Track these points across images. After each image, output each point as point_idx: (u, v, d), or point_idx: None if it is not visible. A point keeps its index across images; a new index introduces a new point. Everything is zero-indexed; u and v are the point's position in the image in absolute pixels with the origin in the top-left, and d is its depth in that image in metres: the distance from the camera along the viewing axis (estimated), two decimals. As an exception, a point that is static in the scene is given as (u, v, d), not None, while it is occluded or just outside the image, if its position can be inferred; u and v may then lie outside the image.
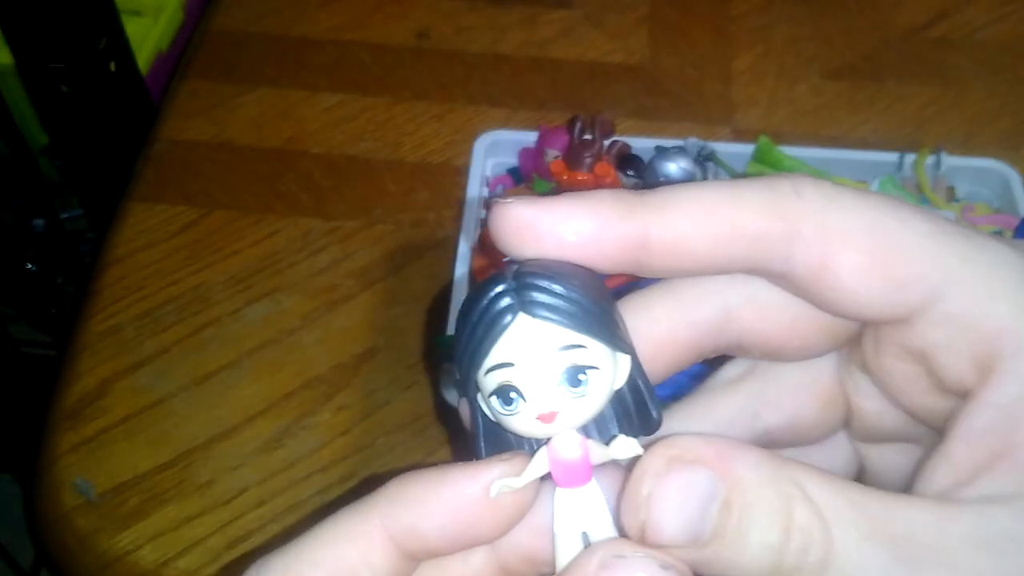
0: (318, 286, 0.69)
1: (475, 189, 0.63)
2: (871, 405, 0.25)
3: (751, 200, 0.22)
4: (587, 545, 0.23)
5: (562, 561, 0.23)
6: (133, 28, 1.02)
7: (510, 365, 0.22)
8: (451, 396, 0.55)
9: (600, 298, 0.22)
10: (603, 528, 0.23)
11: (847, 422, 0.26)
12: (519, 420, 0.23)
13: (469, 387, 0.23)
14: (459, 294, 0.58)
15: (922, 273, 0.21)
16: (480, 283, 0.23)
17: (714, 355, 0.26)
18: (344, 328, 0.67)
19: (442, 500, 0.22)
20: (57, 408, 0.63)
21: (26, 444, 0.67)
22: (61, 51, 0.88)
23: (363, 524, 0.22)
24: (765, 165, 0.65)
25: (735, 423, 0.26)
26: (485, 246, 0.60)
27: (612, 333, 0.22)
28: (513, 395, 0.22)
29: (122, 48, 0.96)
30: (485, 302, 0.22)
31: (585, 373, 0.22)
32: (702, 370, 0.27)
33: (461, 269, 0.59)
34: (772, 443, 0.26)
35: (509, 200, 0.23)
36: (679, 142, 0.65)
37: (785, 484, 0.19)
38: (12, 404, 1.23)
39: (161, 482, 0.59)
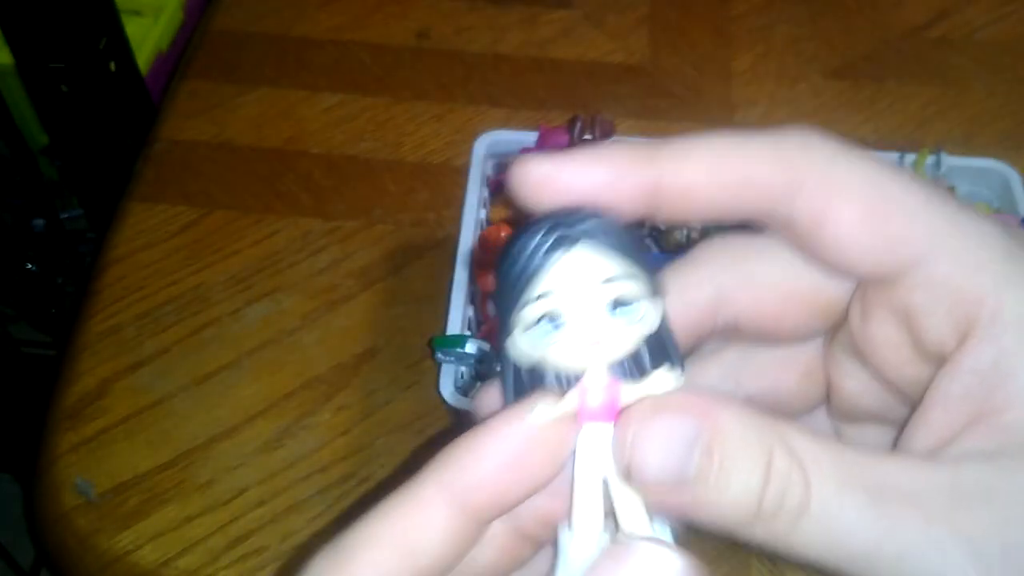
0: (318, 286, 0.69)
1: (475, 189, 0.63)
2: (852, 384, 0.25)
3: (760, 150, 0.23)
4: (606, 494, 0.22)
5: (579, 508, 0.23)
6: (133, 28, 1.02)
7: (554, 294, 0.22)
8: (451, 396, 0.55)
9: (638, 243, 0.23)
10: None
11: (828, 400, 0.27)
12: (559, 349, 0.23)
13: (507, 326, 0.24)
14: (459, 294, 0.58)
15: (913, 235, 0.21)
16: (523, 226, 0.23)
17: (710, 338, 0.26)
18: (344, 328, 0.67)
19: (491, 447, 0.22)
20: (57, 408, 0.63)
21: (26, 444, 0.67)
22: (61, 51, 0.88)
23: (421, 493, 0.22)
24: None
25: (716, 390, 0.27)
26: (485, 246, 0.60)
27: (651, 275, 0.23)
28: (555, 322, 0.23)
29: (122, 48, 0.96)
30: (534, 238, 0.23)
31: (628, 306, 0.22)
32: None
33: (461, 269, 0.59)
34: None
35: (528, 157, 0.24)
36: (679, 142, 0.65)
37: (766, 433, 0.20)
38: (12, 404, 1.23)
39: (161, 482, 0.59)
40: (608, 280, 0.22)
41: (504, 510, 0.22)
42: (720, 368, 0.27)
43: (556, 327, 0.23)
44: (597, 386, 0.23)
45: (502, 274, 0.23)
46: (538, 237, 0.22)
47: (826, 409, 0.27)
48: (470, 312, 0.59)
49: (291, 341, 0.66)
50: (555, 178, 0.23)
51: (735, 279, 0.25)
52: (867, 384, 0.25)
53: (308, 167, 0.77)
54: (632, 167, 0.23)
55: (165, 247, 0.71)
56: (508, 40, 0.86)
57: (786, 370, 0.27)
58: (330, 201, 0.74)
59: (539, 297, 0.22)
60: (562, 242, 0.22)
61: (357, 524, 0.22)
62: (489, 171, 0.67)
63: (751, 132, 0.24)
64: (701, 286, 0.25)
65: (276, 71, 0.84)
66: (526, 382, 0.24)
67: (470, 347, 0.53)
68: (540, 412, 0.22)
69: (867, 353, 0.24)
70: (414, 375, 0.64)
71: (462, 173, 0.67)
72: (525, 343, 0.23)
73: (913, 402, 0.23)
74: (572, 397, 0.23)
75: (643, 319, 0.23)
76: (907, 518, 0.19)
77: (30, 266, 1.32)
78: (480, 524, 0.23)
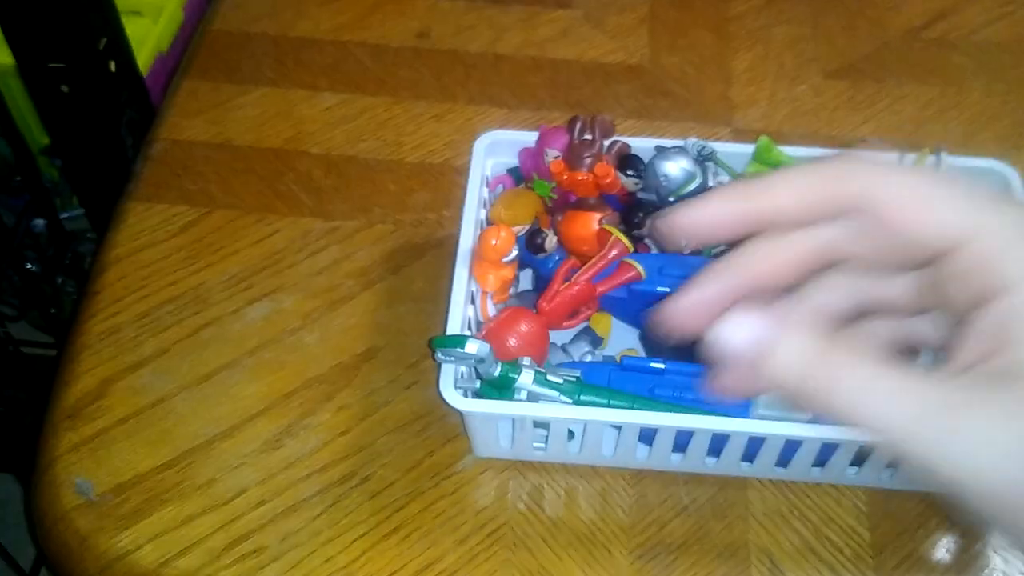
0: (318, 286, 0.69)
1: (475, 189, 0.63)
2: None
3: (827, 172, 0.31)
4: None
5: None
6: (133, 28, 1.02)
7: None
8: (451, 395, 0.55)
9: None
10: None
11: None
12: None
13: None
14: (459, 294, 0.58)
15: (952, 221, 0.29)
16: None
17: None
18: (344, 328, 0.67)
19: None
20: (57, 408, 0.63)
21: (26, 444, 0.67)
22: (61, 51, 0.89)
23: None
24: (765, 165, 0.65)
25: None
26: (482, 255, 0.60)
27: None
28: None
29: (122, 48, 0.96)
30: None
31: None
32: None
33: (461, 269, 0.60)
34: None
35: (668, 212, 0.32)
36: (679, 142, 0.65)
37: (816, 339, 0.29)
38: (12, 404, 1.23)
39: (161, 482, 0.59)
40: None
41: None
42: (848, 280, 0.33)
43: None
44: None
45: None
46: None
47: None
48: (470, 312, 0.60)
49: (291, 341, 0.66)
50: (691, 221, 0.32)
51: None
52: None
53: (308, 167, 0.77)
54: (738, 202, 0.32)
55: (165, 247, 0.71)
56: (508, 40, 0.86)
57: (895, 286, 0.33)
58: (330, 201, 0.74)
59: None
60: None
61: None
62: (489, 171, 0.67)
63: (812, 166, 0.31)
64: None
65: (276, 71, 0.84)
66: None
67: (470, 347, 0.53)
68: None
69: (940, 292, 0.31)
70: (414, 375, 0.64)
71: (462, 173, 0.67)
72: None
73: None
74: None
75: None
76: (906, 403, 0.27)
77: (30, 266, 1.32)
78: None
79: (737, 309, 0.30)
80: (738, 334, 0.29)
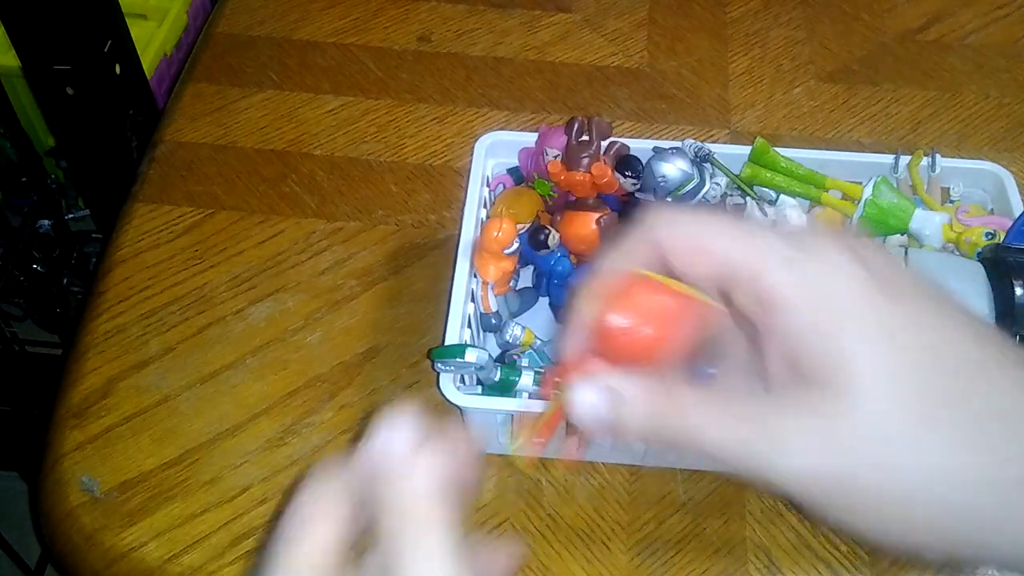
0: (321, 286, 0.70)
1: (476, 190, 0.64)
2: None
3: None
4: None
5: None
6: (138, 31, 1.03)
7: None
8: (452, 394, 0.56)
9: None
10: None
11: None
12: None
13: None
14: (460, 294, 0.59)
15: (720, 251, 0.32)
16: None
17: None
18: (346, 327, 0.67)
19: None
20: (63, 407, 0.64)
21: (32, 442, 0.68)
22: (67, 54, 0.89)
23: None
24: (761, 166, 0.66)
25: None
26: (484, 246, 0.60)
27: None
28: None
29: (127, 51, 0.97)
30: None
31: None
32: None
33: (462, 269, 0.60)
34: None
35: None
36: (677, 144, 0.66)
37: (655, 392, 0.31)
38: (19, 403, 1.24)
39: (166, 479, 0.60)
40: None
41: None
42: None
43: None
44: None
45: None
46: None
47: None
48: (470, 310, 0.60)
49: (294, 340, 0.67)
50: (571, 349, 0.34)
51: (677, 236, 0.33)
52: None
53: (311, 169, 0.77)
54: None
55: (170, 247, 0.72)
56: (508, 43, 0.87)
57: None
58: (333, 202, 0.75)
59: None
60: None
61: None
62: (489, 172, 0.68)
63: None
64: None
65: (279, 74, 0.85)
66: None
67: (469, 355, 0.54)
68: None
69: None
70: (415, 374, 0.65)
71: (463, 175, 0.68)
72: None
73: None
74: None
75: None
76: (742, 425, 0.30)
77: (36, 266, 1.32)
78: None
79: (580, 382, 0.32)
80: (586, 409, 0.32)
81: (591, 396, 0.32)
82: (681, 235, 0.33)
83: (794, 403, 0.30)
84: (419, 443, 0.30)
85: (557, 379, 0.33)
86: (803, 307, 0.30)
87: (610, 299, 0.33)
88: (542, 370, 0.57)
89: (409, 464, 0.30)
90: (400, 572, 0.28)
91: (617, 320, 0.33)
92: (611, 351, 0.33)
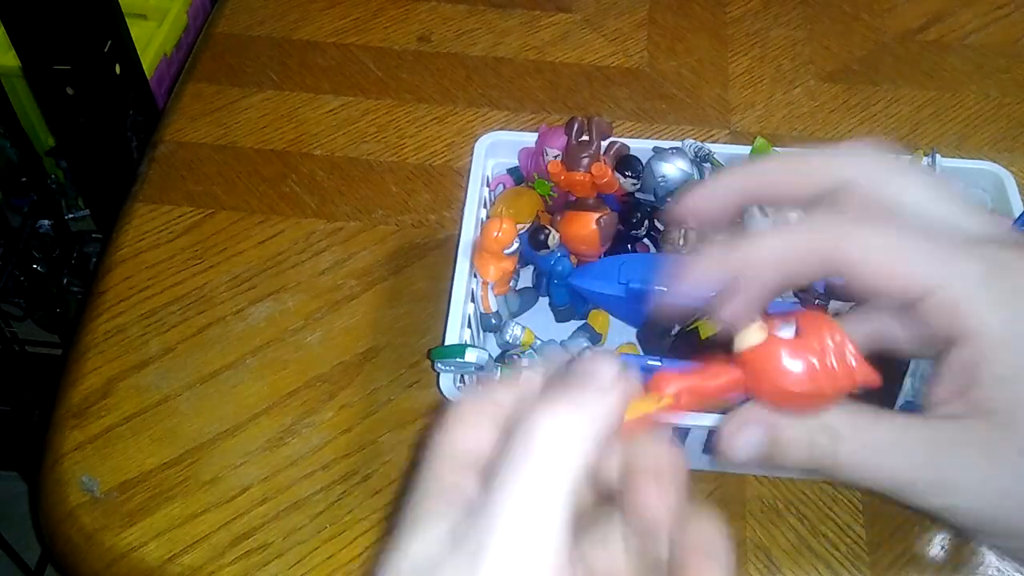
0: (321, 286, 0.70)
1: (476, 190, 0.64)
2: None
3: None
4: None
5: None
6: (138, 31, 1.03)
7: None
8: (452, 394, 0.56)
9: None
10: None
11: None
12: None
13: None
14: (460, 294, 0.59)
15: (918, 275, 0.31)
16: None
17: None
18: (346, 327, 0.67)
19: None
20: (63, 406, 0.64)
21: (32, 442, 0.68)
22: (67, 54, 0.89)
23: None
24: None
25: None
26: (484, 246, 0.60)
27: None
28: None
29: (127, 51, 0.97)
30: None
31: None
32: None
33: (462, 269, 0.60)
34: None
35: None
36: (677, 144, 0.66)
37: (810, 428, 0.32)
38: (19, 403, 1.24)
39: (166, 479, 0.60)
40: None
41: None
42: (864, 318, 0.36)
43: None
44: None
45: None
46: None
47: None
48: (470, 310, 0.60)
49: (294, 340, 0.67)
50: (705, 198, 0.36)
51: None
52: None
53: (311, 169, 0.77)
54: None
55: (170, 248, 0.72)
56: (508, 43, 0.87)
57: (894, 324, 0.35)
58: (333, 202, 0.75)
59: None
60: None
61: None
62: (489, 172, 0.68)
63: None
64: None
65: (279, 74, 0.85)
66: None
67: (469, 355, 0.54)
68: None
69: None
70: (415, 374, 0.65)
71: (463, 175, 0.68)
72: None
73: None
74: None
75: None
76: (895, 458, 0.31)
77: (36, 266, 1.33)
78: None
79: (738, 421, 0.32)
80: (745, 446, 0.32)
81: (751, 435, 0.32)
82: (876, 252, 0.31)
83: (968, 436, 0.30)
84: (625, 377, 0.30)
85: (666, 384, 0.31)
86: (998, 343, 0.30)
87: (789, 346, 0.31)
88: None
89: (608, 383, 0.29)
90: (499, 494, 0.26)
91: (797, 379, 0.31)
92: (779, 398, 0.32)
